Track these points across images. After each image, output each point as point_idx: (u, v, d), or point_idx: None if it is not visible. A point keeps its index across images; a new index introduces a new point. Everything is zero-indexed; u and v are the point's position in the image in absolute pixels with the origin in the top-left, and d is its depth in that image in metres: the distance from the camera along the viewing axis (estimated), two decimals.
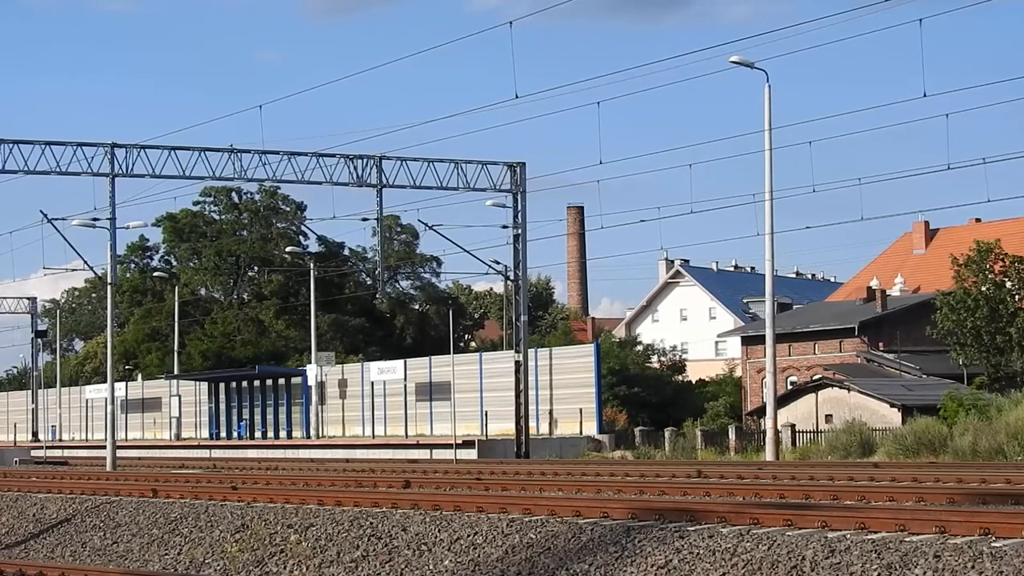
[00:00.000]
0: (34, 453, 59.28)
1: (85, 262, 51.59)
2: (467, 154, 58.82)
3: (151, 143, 47.21)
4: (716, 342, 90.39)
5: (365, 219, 55.17)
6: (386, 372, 65.86)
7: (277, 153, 48.31)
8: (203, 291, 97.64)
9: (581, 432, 55.52)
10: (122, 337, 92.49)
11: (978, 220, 77.13)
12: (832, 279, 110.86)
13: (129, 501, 24.52)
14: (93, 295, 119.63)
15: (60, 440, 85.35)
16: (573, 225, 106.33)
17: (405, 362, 66.02)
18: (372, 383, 66.65)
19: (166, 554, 21.05)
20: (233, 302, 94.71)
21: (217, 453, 64.39)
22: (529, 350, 52.93)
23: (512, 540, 17.43)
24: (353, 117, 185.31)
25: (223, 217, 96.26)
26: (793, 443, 47.94)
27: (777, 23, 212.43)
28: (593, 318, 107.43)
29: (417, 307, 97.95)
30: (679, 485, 24.03)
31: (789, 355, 65.55)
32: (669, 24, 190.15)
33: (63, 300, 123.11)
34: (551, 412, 57.73)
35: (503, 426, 54.67)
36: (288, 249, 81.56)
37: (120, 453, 51.29)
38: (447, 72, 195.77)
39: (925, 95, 36.16)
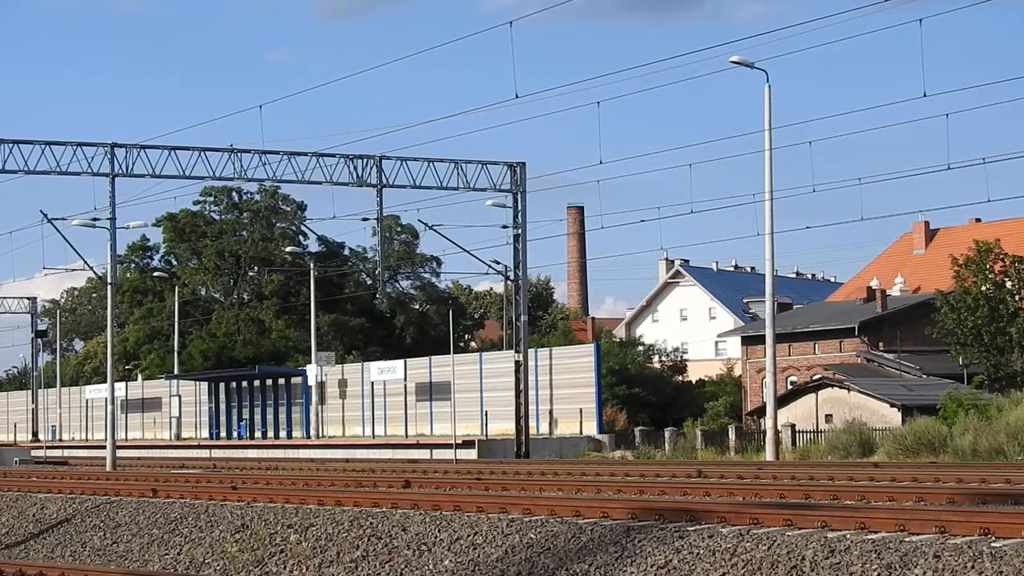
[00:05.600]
0: (34, 453, 59.27)
1: (85, 262, 51.63)
2: (467, 154, 58.91)
3: (151, 143, 47.22)
4: (716, 342, 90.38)
5: (365, 219, 55.21)
6: (386, 372, 65.84)
7: (277, 153, 48.29)
8: (203, 291, 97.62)
9: (581, 432, 55.50)
10: (122, 337, 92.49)
11: (978, 220, 77.16)
12: (832, 279, 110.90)
13: (129, 501, 24.52)
14: (93, 295, 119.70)
15: (60, 440, 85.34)
16: (573, 225, 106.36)
17: (405, 362, 66.01)
18: (372, 383, 66.64)
19: (166, 554, 21.05)
20: (233, 302, 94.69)
21: (217, 453, 64.37)
22: (529, 350, 52.92)
23: (512, 540, 17.43)
24: (353, 117, 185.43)
25: (223, 217, 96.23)
26: (793, 443, 47.93)
27: (788, 23, 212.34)
28: (593, 318, 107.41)
29: (417, 307, 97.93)
30: (679, 485, 24.01)
31: (789, 355, 65.55)
32: (680, 24, 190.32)
33: (63, 300, 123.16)
34: (551, 412, 57.71)
35: (503, 426, 54.67)
36: (288, 249, 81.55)
37: (120, 453, 51.28)
38: (447, 72, 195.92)
39: (925, 95, 36.19)
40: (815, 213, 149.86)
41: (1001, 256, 54.96)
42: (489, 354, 66.87)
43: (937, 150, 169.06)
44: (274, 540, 19.94)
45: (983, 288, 53.81)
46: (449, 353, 55.13)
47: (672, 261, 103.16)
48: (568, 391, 57.21)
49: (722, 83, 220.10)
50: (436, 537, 18.24)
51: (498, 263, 56.36)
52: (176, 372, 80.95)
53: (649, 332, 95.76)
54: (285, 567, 19.06)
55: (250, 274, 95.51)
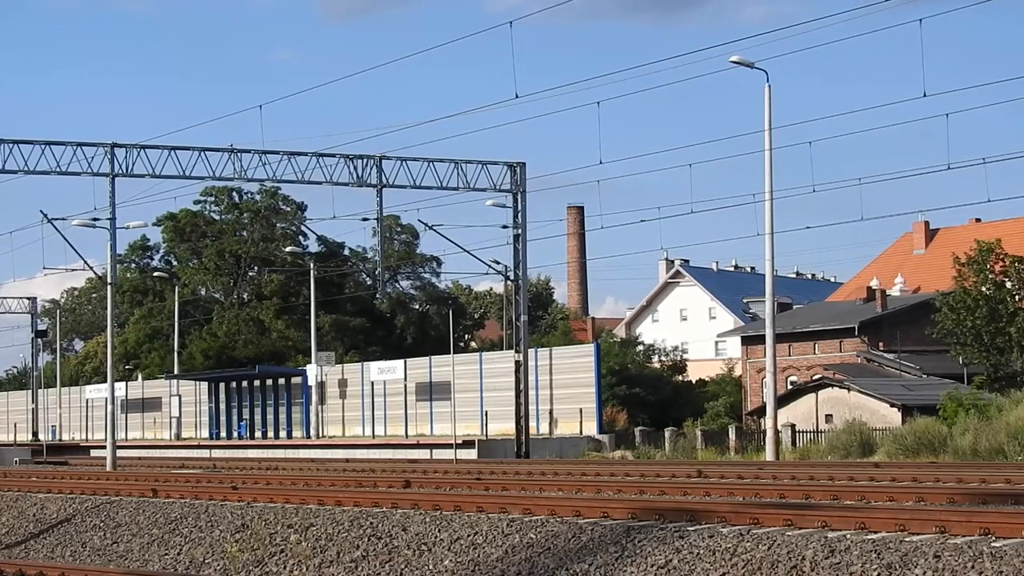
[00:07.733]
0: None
1: (85, 262, 51.62)
2: (467, 154, 58.84)
3: (151, 143, 47.20)
4: (716, 342, 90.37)
5: (365, 219, 55.15)
6: (386, 372, 65.85)
7: (277, 153, 48.28)
8: (203, 291, 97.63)
9: (581, 432, 55.50)
10: (122, 337, 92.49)
11: (978, 220, 77.13)
12: (832, 279, 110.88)
13: (129, 501, 24.52)
14: (93, 295, 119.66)
15: (60, 440, 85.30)
16: (573, 225, 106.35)
17: (405, 362, 66.01)
18: (372, 383, 66.64)
19: (166, 554, 21.05)
20: (233, 302, 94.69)
21: (217, 453, 64.36)
22: (529, 350, 52.90)
23: (512, 540, 17.43)
24: (353, 117, 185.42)
25: (223, 217, 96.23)
26: (793, 443, 47.93)
27: (789, 23, 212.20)
28: (593, 318, 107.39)
29: (417, 307, 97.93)
30: (679, 485, 24.01)
31: (789, 355, 65.53)
32: (683, 27, 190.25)
33: (63, 300, 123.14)
34: (551, 412, 57.71)
35: (503, 426, 54.66)
36: (288, 249, 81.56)
37: (120, 453, 51.29)
38: (448, 72, 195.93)
39: (925, 95, 36.19)
40: (815, 213, 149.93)
41: (1001, 256, 54.96)
42: (489, 354, 66.87)
43: (937, 150, 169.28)
44: (274, 540, 19.94)
45: (983, 288, 53.80)
46: (449, 353, 55.13)
47: (672, 261, 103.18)
48: (568, 391, 57.20)
49: (722, 83, 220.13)
50: (436, 537, 18.24)
51: (498, 263, 56.40)
52: (176, 372, 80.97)
53: (649, 332, 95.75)
54: (285, 567, 19.06)
55: (250, 274, 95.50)
